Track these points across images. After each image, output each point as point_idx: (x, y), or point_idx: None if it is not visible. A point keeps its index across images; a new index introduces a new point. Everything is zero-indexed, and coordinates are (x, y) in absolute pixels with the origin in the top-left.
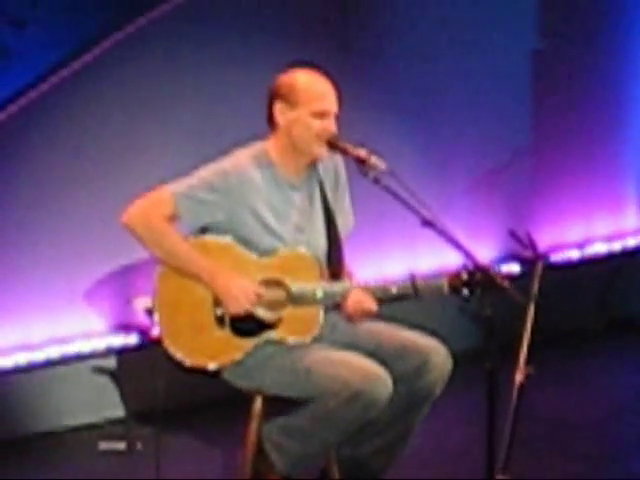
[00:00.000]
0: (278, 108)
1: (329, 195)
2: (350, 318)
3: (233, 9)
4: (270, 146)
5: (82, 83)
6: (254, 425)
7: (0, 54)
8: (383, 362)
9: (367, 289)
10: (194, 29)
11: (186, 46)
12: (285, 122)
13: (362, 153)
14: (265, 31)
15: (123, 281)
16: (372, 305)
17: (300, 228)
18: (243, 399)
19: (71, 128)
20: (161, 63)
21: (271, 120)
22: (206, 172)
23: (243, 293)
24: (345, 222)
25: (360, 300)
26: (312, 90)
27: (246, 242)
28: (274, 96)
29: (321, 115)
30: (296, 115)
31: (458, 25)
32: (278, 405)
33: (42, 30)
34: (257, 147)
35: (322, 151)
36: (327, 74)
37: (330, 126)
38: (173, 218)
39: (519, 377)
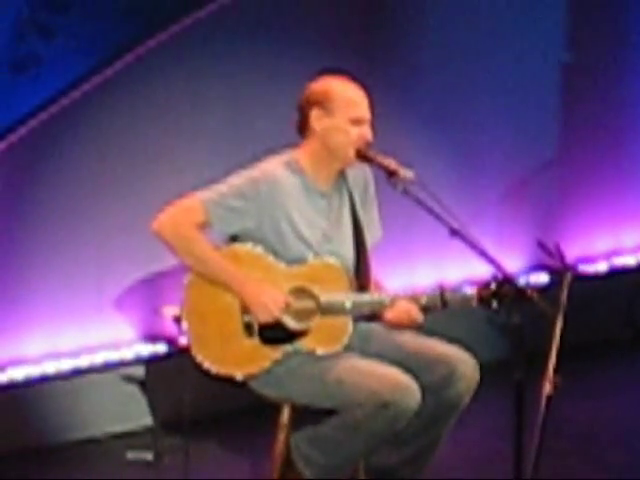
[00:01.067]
0: (314, 115)
1: (358, 205)
2: (394, 327)
3: (259, 19)
4: (301, 154)
5: (112, 91)
6: (282, 435)
7: (31, 62)
8: (411, 372)
9: (414, 299)
10: (223, 38)
11: (215, 55)
12: (322, 129)
13: (391, 164)
14: (291, 40)
15: (151, 290)
16: (418, 315)
17: (328, 236)
18: (271, 408)
19: (100, 135)
20: (190, 71)
21: (303, 128)
22: (236, 179)
23: (272, 301)
24: (373, 233)
25: (407, 310)
26: (348, 97)
27: (275, 250)
28: (309, 104)
29: (358, 122)
30: (334, 122)
31: (486, 37)
32: (306, 415)
33: (72, 39)
34: (288, 154)
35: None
36: (357, 81)
37: (367, 132)
38: (203, 226)
39: (547, 388)
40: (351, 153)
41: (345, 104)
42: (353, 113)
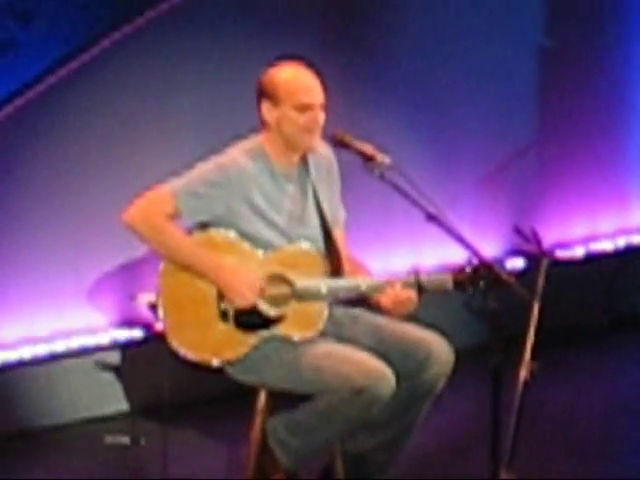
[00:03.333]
0: (265, 108)
1: (322, 189)
2: (389, 313)
3: (234, 6)
4: (264, 139)
5: (87, 77)
6: (258, 420)
7: (7, 47)
8: (385, 357)
9: (406, 283)
10: (197, 26)
11: (191, 41)
12: (273, 120)
13: (368, 149)
14: (266, 28)
15: (128, 275)
16: (410, 294)
17: (296, 217)
18: (247, 394)
19: (76, 122)
20: (166, 57)
21: (260, 119)
22: (203, 168)
23: (248, 287)
24: (337, 214)
25: (398, 294)
26: (292, 85)
27: (246, 235)
28: (260, 95)
29: (304, 108)
30: (281, 112)
31: (463, 23)
32: (283, 400)
33: (48, 24)
34: (252, 140)
35: (312, 142)
36: (311, 65)
37: (316, 117)
38: (174, 215)
39: (523, 373)
40: (304, 139)
41: (288, 92)
42: (297, 100)
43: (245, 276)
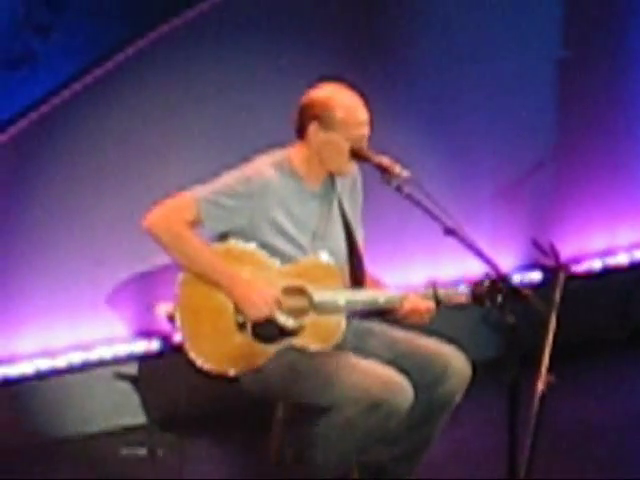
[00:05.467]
0: (313, 128)
1: (346, 204)
2: (405, 320)
3: (256, 16)
4: (293, 154)
5: (106, 89)
6: (276, 432)
7: (26, 60)
8: (403, 370)
9: (424, 296)
10: (217, 37)
11: (209, 54)
12: (317, 142)
13: (385, 161)
14: (288, 39)
15: (146, 286)
16: (429, 304)
17: (319, 235)
18: (265, 405)
19: (94, 133)
20: (184, 70)
21: (300, 133)
22: (228, 178)
23: (262, 299)
24: (360, 232)
25: (416, 305)
26: (351, 116)
27: (265, 247)
28: (308, 115)
29: (358, 141)
30: (330, 138)
31: (482, 34)
32: (300, 413)
33: (67, 36)
34: (279, 154)
35: (350, 168)
36: (356, 89)
37: (364, 147)
38: (195, 223)
39: (540, 386)
40: (345, 167)
41: (345, 123)
42: (354, 133)
43: (260, 288)
